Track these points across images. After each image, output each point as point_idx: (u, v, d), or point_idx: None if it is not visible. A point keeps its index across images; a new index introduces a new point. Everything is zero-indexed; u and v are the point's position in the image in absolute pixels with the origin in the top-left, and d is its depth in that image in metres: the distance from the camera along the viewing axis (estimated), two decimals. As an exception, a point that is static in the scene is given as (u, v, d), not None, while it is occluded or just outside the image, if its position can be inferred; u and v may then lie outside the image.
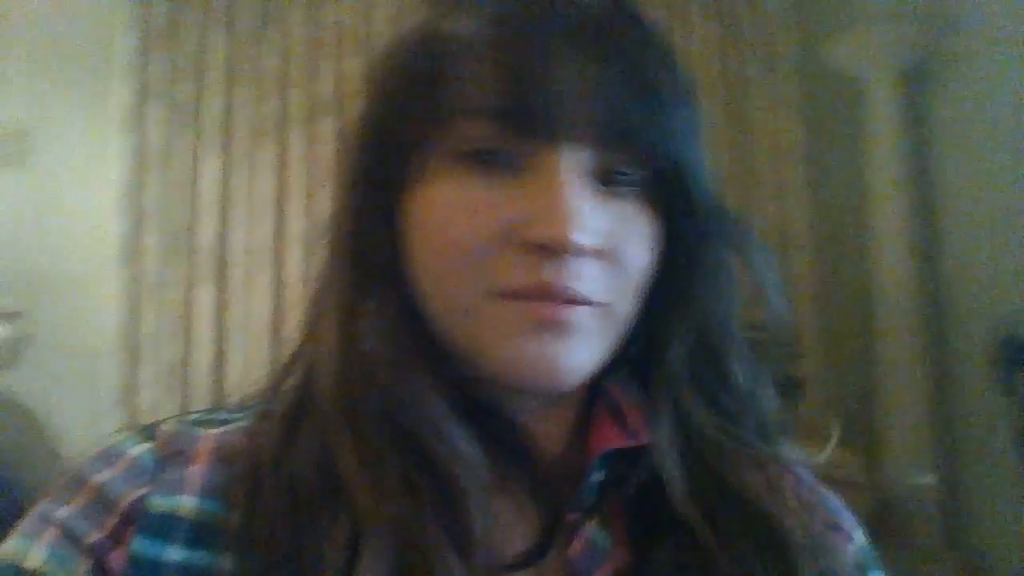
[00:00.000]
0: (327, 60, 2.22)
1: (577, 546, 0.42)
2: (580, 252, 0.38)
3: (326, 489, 0.38)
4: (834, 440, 2.08)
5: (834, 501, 0.50)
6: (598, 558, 0.42)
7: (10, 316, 1.86)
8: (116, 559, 0.38)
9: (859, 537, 0.49)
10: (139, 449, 0.42)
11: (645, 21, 0.43)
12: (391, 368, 0.40)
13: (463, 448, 0.39)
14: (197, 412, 0.46)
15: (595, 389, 0.46)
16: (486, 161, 0.39)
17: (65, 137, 2.17)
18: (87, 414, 1.99)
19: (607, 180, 0.41)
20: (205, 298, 2.05)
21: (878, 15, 2.75)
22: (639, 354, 0.46)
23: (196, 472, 0.41)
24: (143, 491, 0.40)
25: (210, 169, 2.12)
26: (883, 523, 2.27)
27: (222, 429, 0.44)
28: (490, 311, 0.39)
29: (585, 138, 0.39)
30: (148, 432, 0.43)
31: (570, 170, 0.39)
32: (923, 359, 2.46)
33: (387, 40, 0.46)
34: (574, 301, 0.39)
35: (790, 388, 2.17)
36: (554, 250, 0.38)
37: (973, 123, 2.57)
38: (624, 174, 0.41)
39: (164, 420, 0.44)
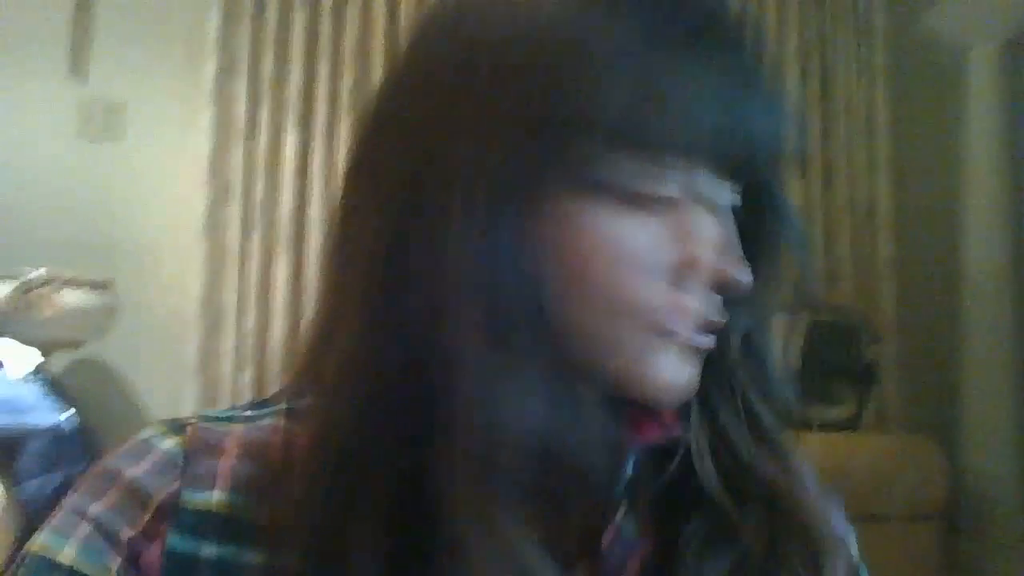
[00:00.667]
0: (406, 34, 2.24)
1: (608, 538, 0.42)
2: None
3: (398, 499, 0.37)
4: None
5: (833, 501, 0.50)
6: (628, 549, 0.43)
7: (100, 285, 1.96)
8: (150, 555, 0.38)
9: (853, 542, 0.50)
10: (168, 443, 0.42)
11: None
12: (540, 391, 0.37)
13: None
14: (219, 410, 0.46)
15: None
16: (649, 192, 0.38)
17: (157, 111, 2.25)
18: (170, 380, 2.09)
19: None
20: (282, 269, 2.12)
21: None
22: None
23: (226, 466, 0.41)
24: (175, 486, 0.40)
25: (290, 142, 2.18)
26: (959, 513, 2.19)
27: (249, 425, 0.44)
28: (651, 347, 0.39)
29: (726, 166, 0.39)
30: (175, 427, 0.43)
31: (723, 202, 0.40)
32: (1012, 347, 2.34)
33: (487, 27, 0.39)
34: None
35: (866, 372, 2.11)
36: (722, 288, 0.39)
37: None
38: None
39: (189, 416, 0.45)
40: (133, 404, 2.13)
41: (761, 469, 0.43)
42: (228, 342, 2.09)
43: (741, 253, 0.40)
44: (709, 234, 0.39)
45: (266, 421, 0.44)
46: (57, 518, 0.40)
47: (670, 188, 0.38)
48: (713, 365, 0.43)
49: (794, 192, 2.38)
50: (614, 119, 0.36)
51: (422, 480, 0.36)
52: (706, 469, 0.43)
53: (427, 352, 0.37)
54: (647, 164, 0.37)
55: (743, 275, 0.39)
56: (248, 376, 2.07)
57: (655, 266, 0.38)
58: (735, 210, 0.42)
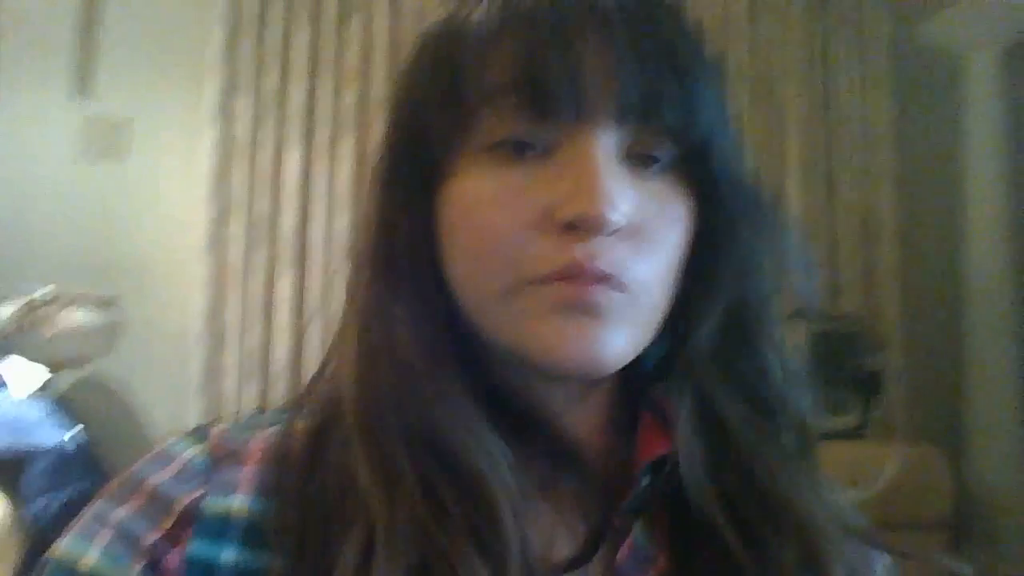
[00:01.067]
0: (408, 50, 2.25)
1: (625, 551, 0.42)
2: (611, 229, 0.37)
3: (347, 498, 0.38)
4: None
5: (860, 517, 0.48)
6: (643, 563, 0.42)
7: (105, 303, 1.97)
8: (172, 560, 0.38)
9: (886, 559, 0.48)
10: (192, 451, 0.42)
11: None
12: (423, 370, 0.40)
13: (494, 450, 0.39)
14: (245, 416, 0.47)
15: (635, 391, 0.46)
16: (515, 150, 0.39)
17: (161, 129, 2.27)
18: (174, 397, 2.10)
19: (636, 160, 0.40)
20: (286, 286, 2.13)
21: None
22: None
23: (249, 472, 0.41)
24: (198, 493, 0.40)
25: (292, 159, 2.19)
26: (966, 522, 2.18)
27: (270, 431, 0.44)
28: (525, 298, 0.38)
29: (610, 116, 0.39)
30: (200, 434, 0.44)
31: (598, 149, 0.38)
32: (1016, 355, 2.33)
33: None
34: (606, 280, 0.38)
35: (869, 381, 2.11)
36: (586, 228, 0.37)
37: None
38: (652, 154, 0.41)
39: (214, 423, 0.45)
40: (138, 421, 2.14)
41: (769, 485, 0.42)
42: (232, 358, 2.10)
43: (619, 199, 0.37)
44: (578, 175, 0.38)
45: (286, 427, 0.44)
46: (80, 524, 0.40)
47: (548, 142, 0.39)
48: (681, 360, 0.43)
49: (797, 202, 2.39)
50: (467, 84, 0.39)
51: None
52: (696, 488, 0.41)
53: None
54: (523, 120, 0.39)
55: (610, 213, 0.37)
56: (252, 392, 2.07)
57: (520, 207, 0.39)
58: (699, 191, 0.42)
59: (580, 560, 0.41)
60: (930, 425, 2.41)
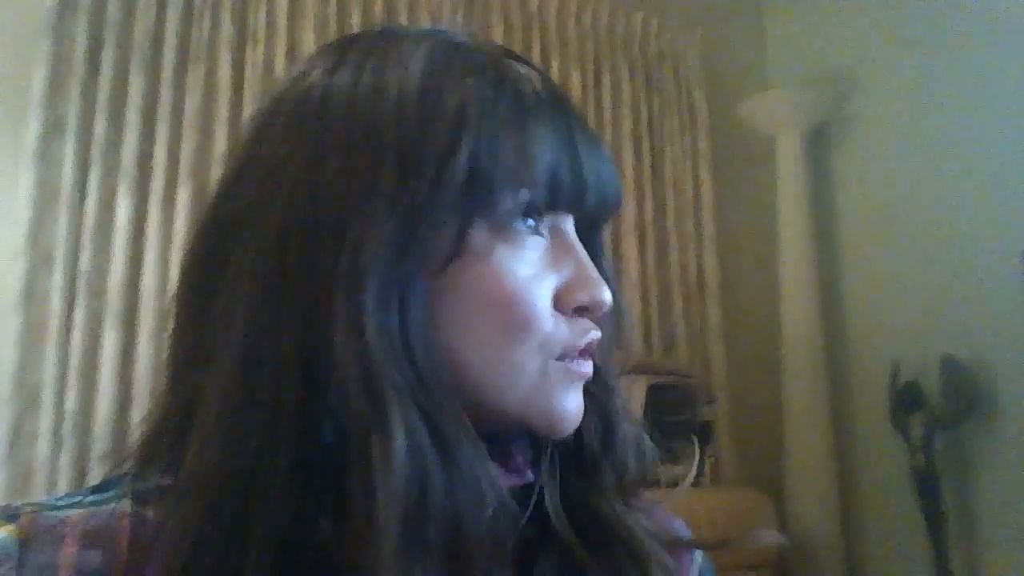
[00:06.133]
0: (251, 103, 2.21)
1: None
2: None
3: None
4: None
5: (681, 526, 0.56)
6: None
7: None
8: None
9: (699, 556, 0.55)
10: (1, 532, 0.39)
11: None
12: (464, 448, 0.39)
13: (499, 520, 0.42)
14: (56, 496, 0.43)
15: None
16: (522, 232, 0.43)
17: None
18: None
19: None
20: (110, 343, 1.97)
21: (785, 80, 2.92)
22: None
23: (68, 555, 0.39)
24: None
25: (123, 208, 2.06)
26: (790, 563, 2.32)
27: (89, 511, 0.41)
28: (550, 372, 0.43)
29: (586, 208, 0.46)
30: (6, 514, 0.40)
31: (575, 236, 0.47)
32: (826, 404, 2.56)
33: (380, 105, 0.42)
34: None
35: (703, 432, 2.23)
36: (594, 311, 0.45)
37: (869, 178, 2.74)
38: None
39: (23, 503, 0.42)
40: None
41: (600, 507, 0.48)
42: (45, 422, 1.89)
43: (598, 274, 0.46)
44: (582, 265, 0.45)
45: (109, 506, 0.41)
46: None
47: (542, 228, 0.45)
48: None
49: (633, 263, 2.53)
50: (499, 171, 0.41)
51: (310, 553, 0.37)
52: (554, 510, 0.47)
53: (314, 425, 0.38)
54: (525, 209, 0.43)
55: (607, 295, 0.45)
56: (67, 459, 1.87)
57: (543, 291, 0.44)
58: None
59: None
60: (756, 472, 2.57)
